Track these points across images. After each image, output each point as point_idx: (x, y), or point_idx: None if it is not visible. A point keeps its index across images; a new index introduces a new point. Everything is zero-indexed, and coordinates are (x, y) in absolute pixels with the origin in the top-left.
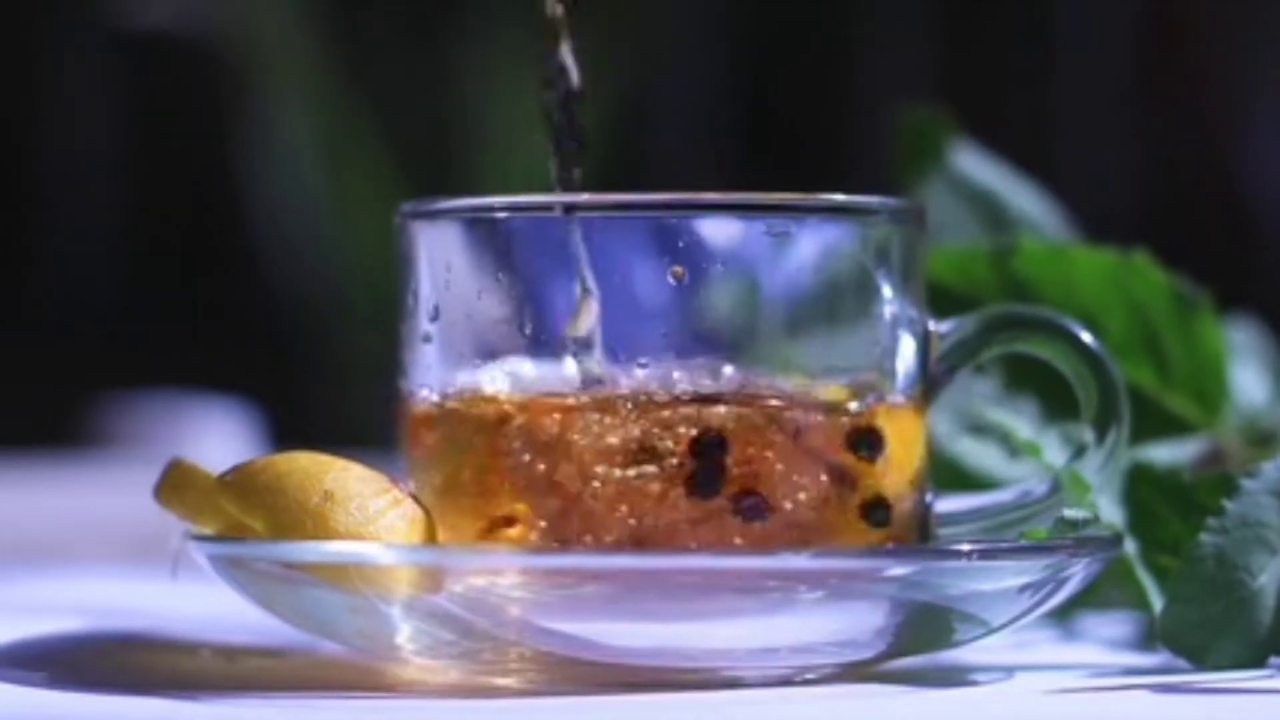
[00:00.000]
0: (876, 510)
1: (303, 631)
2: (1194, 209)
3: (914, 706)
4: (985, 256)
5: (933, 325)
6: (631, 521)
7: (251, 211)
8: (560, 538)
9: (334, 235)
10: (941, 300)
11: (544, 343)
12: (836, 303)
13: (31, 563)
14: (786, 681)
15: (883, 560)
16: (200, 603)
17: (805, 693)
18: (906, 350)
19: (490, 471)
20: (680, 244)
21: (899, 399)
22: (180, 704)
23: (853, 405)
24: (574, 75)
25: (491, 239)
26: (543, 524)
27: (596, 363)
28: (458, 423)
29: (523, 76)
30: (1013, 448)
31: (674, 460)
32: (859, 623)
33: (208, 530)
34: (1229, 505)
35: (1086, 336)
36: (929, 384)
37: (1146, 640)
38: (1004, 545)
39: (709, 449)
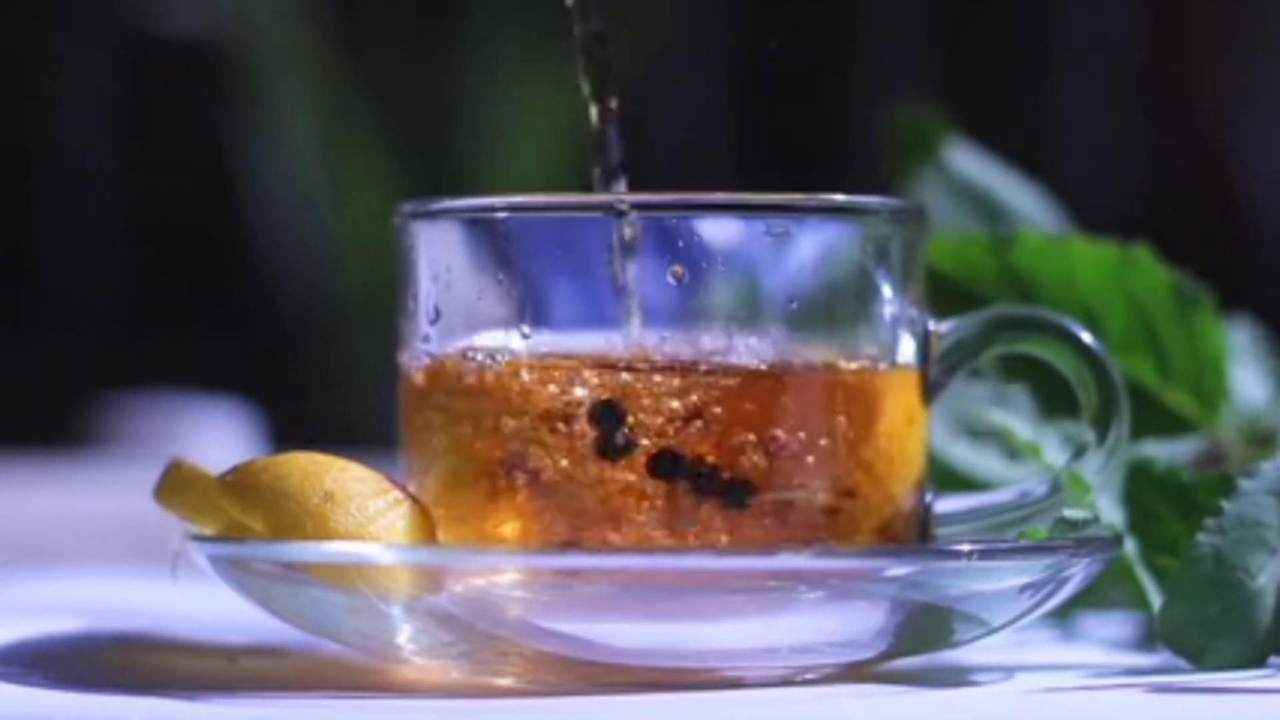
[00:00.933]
0: (735, 490)
1: (303, 631)
2: (1193, 209)
3: (914, 706)
4: (984, 245)
5: (933, 325)
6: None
7: (251, 211)
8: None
9: (334, 235)
10: (940, 290)
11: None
12: (836, 303)
13: (31, 563)
14: (786, 681)
15: (883, 560)
16: (200, 603)
17: (805, 693)
18: (906, 350)
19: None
20: (680, 244)
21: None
22: (180, 704)
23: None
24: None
25: (491, 239)
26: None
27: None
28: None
29: (523, 76)
30: (1013, 448)
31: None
32: (859, 623)
33: (208, 530)
34: (1228, 505)
35: (1087, 337)
36: (929, 384)
37: (1146, 640)
38: (1004, 545)
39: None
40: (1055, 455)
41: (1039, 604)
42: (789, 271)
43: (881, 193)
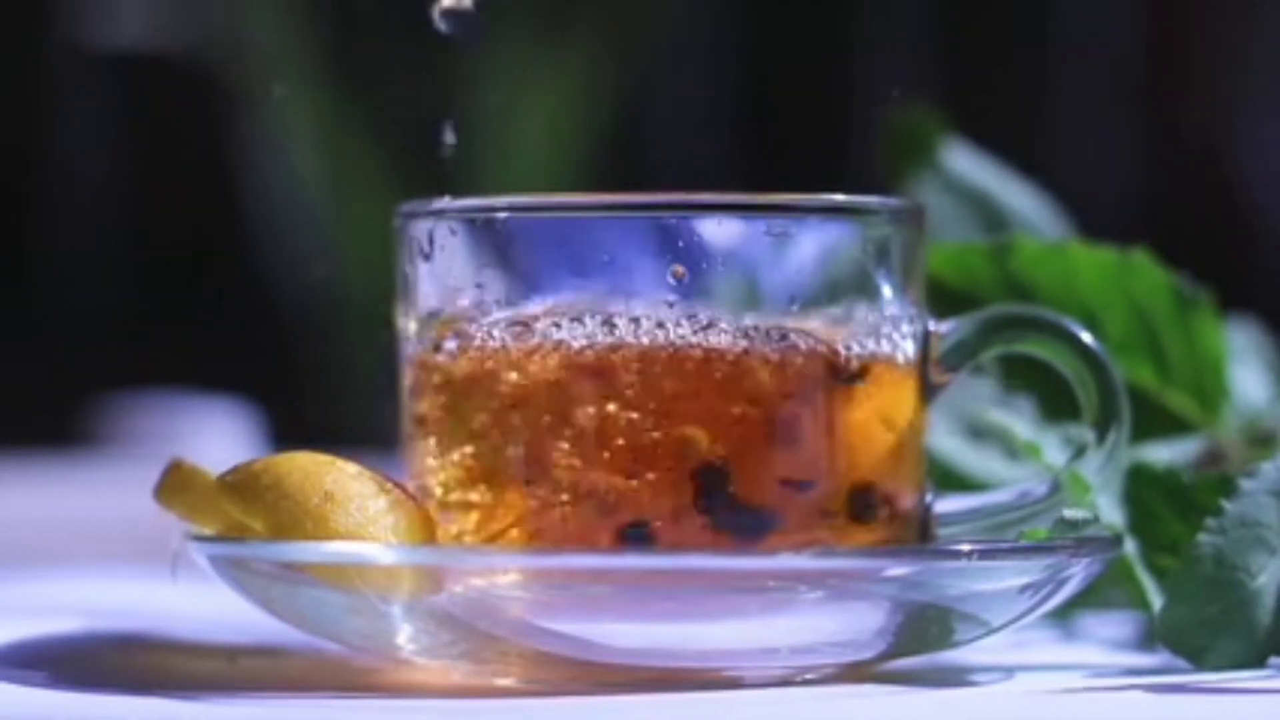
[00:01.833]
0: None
1: (303, 631)
2: (1193, 210)
3: (914, 706)
4: (984, 252)
5: (933, 325)
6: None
7: (251, 212)
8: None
9: (334, 235)
10: (939, 296)
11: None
12: (836, 303)
13: (31, 563)
14: (786, 681)
15: (883, 560)
16: (200, 603)
17: (805, 693)
18: (906, 350)
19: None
20: (680, 244)
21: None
22: (180, 704)
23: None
24: None
25: (491, 239)
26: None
27: None
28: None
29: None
30: (1013, 448)
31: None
32: (859, 623)
33: (208, 530)
34: (1228, 505)
35: (1087, 337)
36: (929, 384)
37: (1146, 640)
38: (1004, 545)
39: None
40: (1055, 455)
41: (1039, 604)
42: (789, 271)
43: (881, 193)
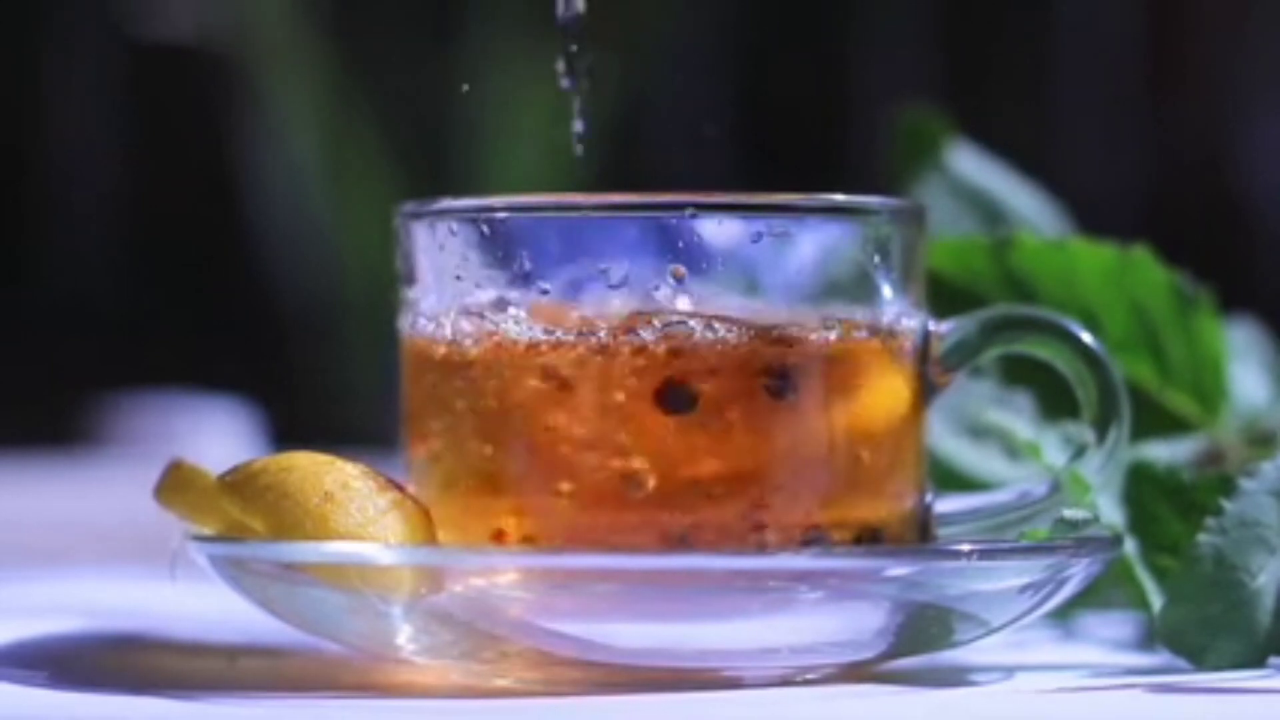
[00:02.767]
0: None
1: (303, 631)
2: (1193, 209)
3: (914, 706)
4: (984, 247)
5: (933, 325)
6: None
7: (251, 211)
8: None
9: (334, 235)
10: (939, 291)
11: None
12: (836, 303)
13: (31, 563)
14: (786, 681)
15: (883, 560)
16: (200, 603)
17: (805, 693)
18: (906, 350)
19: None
20: (680, 244)
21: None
22: (180, 704)
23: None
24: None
25: (491, 239)
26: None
27: None
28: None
29: (523, 77)
30: (1013, 448)
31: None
32: (859, 623)
33: (208, 530)
34: (1228, 505)
35: (1087, 337)
36: (929, 384)
37: (1146, 640)
38: (1004, 545)
39: None
40: (1055, 455)
41: (1039, 604)
42: (789, 271)
43: (881, 193)
